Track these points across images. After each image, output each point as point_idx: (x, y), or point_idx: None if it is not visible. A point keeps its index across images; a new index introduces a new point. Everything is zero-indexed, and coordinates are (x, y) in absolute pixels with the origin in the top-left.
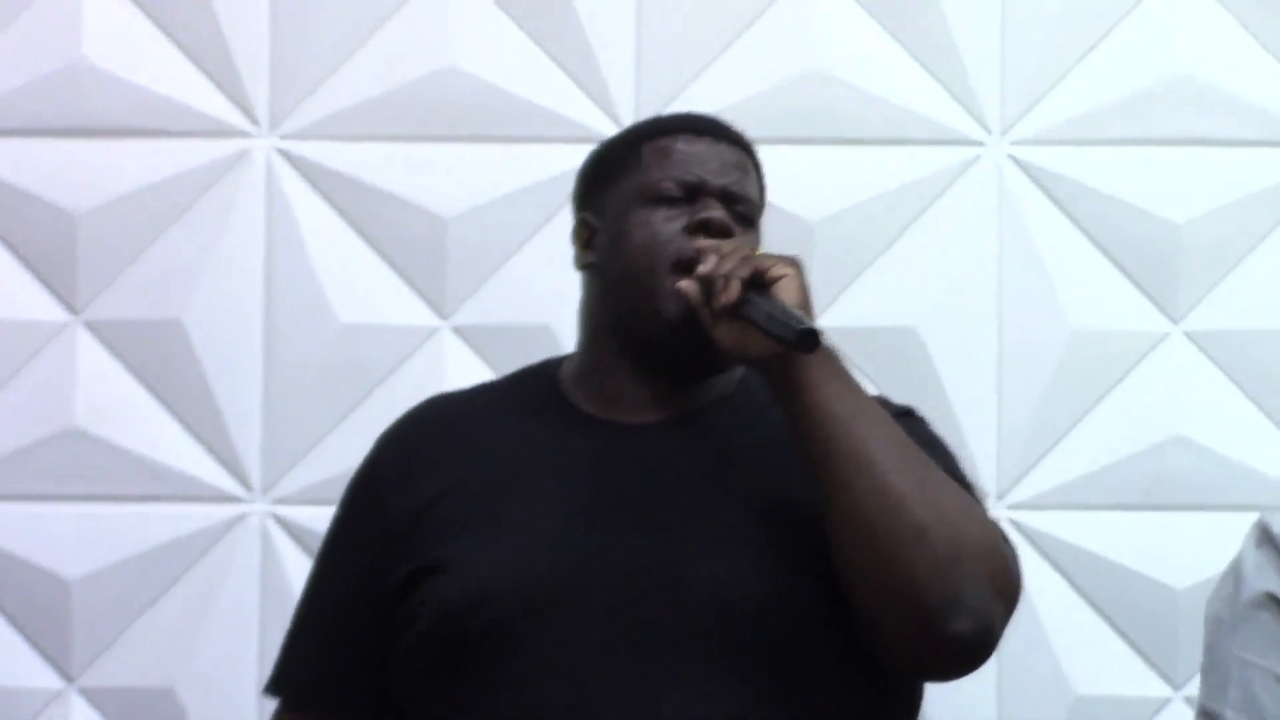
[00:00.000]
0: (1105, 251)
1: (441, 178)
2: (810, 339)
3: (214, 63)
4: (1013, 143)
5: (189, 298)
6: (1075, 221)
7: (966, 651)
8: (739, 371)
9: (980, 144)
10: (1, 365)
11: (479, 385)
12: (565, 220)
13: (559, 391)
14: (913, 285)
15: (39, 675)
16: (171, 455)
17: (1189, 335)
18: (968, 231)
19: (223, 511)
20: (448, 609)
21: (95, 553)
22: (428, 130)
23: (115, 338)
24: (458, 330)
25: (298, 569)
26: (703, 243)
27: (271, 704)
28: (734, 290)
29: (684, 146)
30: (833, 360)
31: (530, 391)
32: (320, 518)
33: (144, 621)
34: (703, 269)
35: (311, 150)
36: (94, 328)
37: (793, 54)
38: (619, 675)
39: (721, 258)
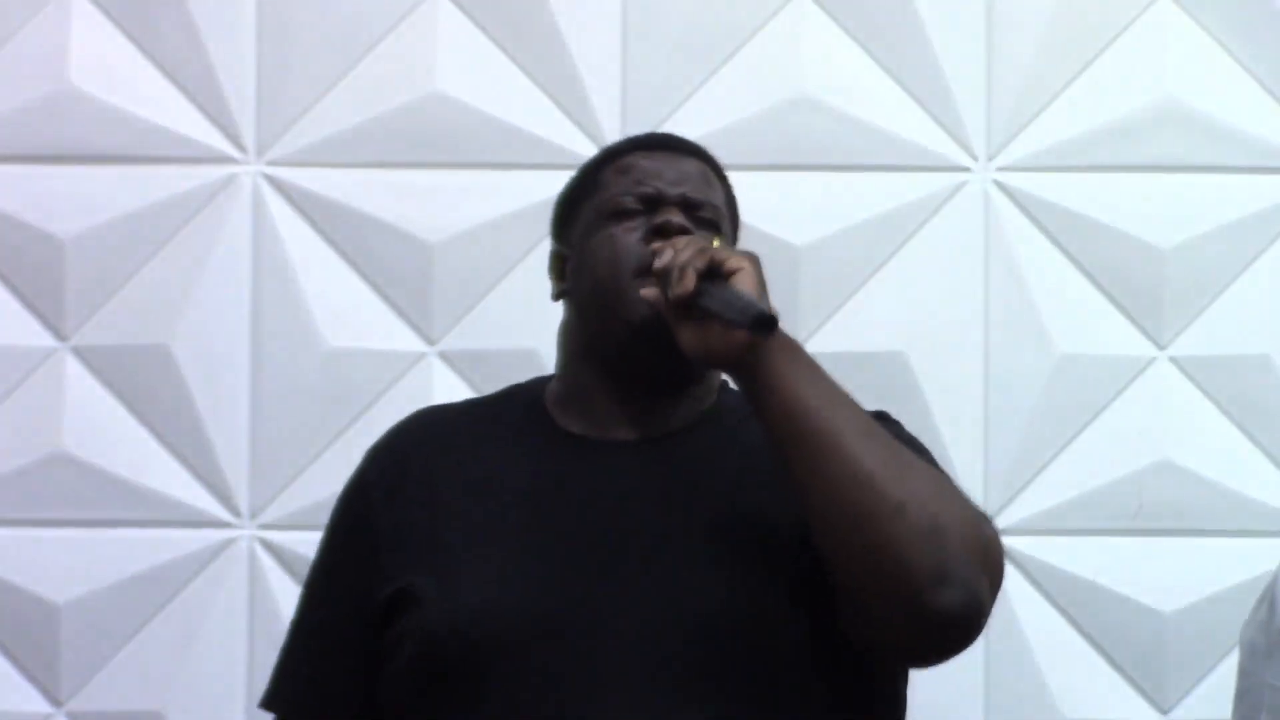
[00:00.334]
0: (1091, 277)
1: (428, 204)
2: (767, 321)
3: (201, 89)
4: (999, 169)
5: (176, 323)
6: (1061, 247)
7: (956, 624)
8: (716, 382)
9: (966, 170)
10: None
11: (468, 400)
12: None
13: (544, 410)
14: (899, 310)
15: (28, 700)
16: (159, 480)
17: (1175, 361)
18: (954, 257)
19: (210, 536)
20: (430, 638)
21: (83, 577)
22: (414, 156)
23: (103, 363)
24: (444, 355)
25: (285, 594)
26: (658, 244)
27: None
28: (689, 280)
29: (641, 162)
30: (798, 352)
31: (518, 408)
32: (307, 542)
33: (132, 646)
34: (658, 263)
35: (298, 176)
36: (81, 353)
37: (779, 80)
38: (598, 701)
39: (676, 251)
